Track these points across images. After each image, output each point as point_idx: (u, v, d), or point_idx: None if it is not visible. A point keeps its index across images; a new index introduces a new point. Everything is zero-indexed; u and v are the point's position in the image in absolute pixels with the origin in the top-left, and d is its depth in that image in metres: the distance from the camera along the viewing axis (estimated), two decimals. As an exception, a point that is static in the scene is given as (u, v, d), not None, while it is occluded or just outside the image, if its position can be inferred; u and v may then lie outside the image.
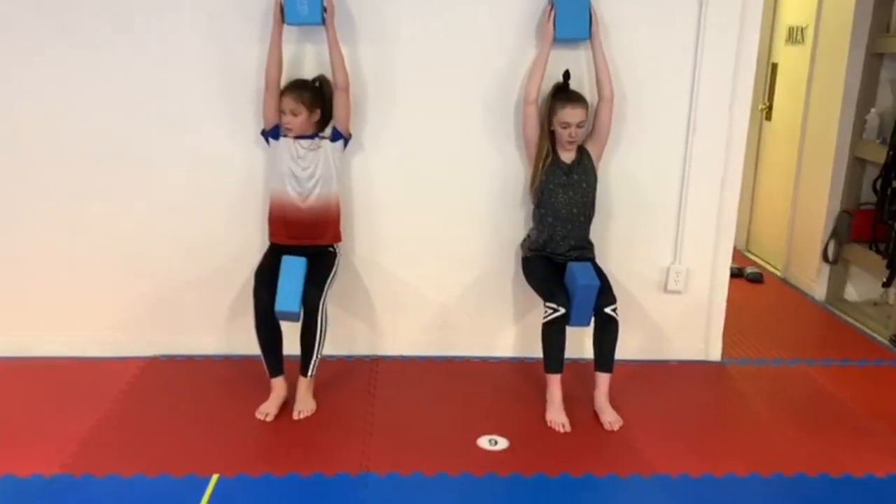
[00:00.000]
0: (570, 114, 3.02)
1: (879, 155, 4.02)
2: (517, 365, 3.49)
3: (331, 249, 3.15)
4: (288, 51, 3.09)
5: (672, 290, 3.51)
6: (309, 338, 2.97)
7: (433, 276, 3.47)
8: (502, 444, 2.82)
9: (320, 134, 3.08)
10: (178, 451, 2.70)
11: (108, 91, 3.20)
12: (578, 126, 3.04)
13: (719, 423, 3.07)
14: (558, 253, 3.14)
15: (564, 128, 3.04)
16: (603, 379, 3.04)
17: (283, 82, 3.06)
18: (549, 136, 3.11)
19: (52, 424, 2.86)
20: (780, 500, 2.57)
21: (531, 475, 2.62)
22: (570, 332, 3.01)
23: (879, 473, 2.69)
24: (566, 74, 3.13)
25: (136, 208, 3.32)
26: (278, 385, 3.02)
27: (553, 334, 2.98)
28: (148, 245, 3.35)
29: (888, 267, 3.94)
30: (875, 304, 4.35)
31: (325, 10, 2.98)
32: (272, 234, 3.11)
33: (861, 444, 2.88)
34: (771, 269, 5.10)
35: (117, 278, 3.39)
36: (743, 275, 4.85)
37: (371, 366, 3.44)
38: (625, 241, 3.43)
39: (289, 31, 3.07)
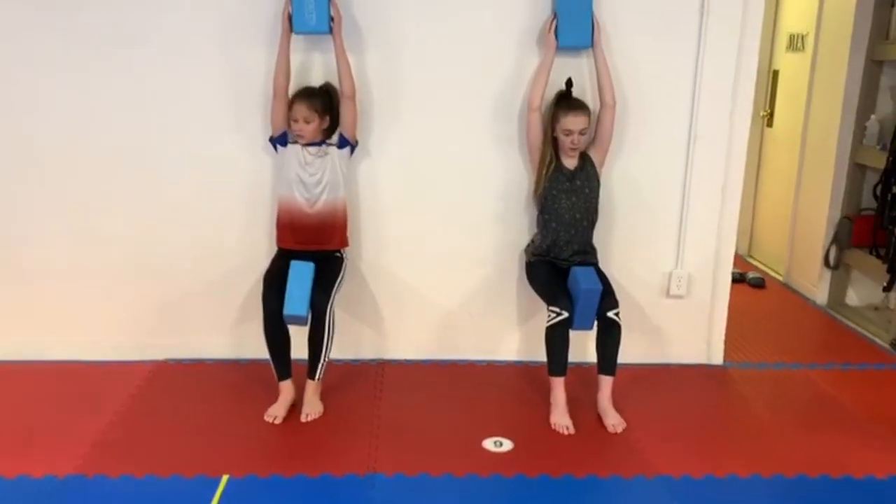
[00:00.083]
0: (572, 121, 3.07)
1: (879, 161, 4.07)
2: (521, 369, 3.53)
3: (338, 255, 3.20)
4: (296, 59, 3.15)
5: (674, 295, 3.55)
6: (317, 341, 3.02)
7: (438, 281, 3.51)
8: (507, 445, 2.86)
9: (327, 141, 3.13)
10: (188, 453, 2.75)
11: (117, 98, 3.25)
12: (581, 133, 3.09)
13: (721, 426, 3.11)
14: (562, 258, 3.19)
15: (567, 135, 3.09)
16: (606, 382, 3.08)
17: (291, 90, 3.11)
18: (552, 143, 3.16)
19: (64, 426, 2.91)
20: (782, 501, 2.61)
21: (535, 476, 2.66)
22: (574, 336, 3.05)
23: (880, 474, 2.72)
24: (569, 82, 3.18)
25: (145, 214, 3.37)
26: (286, 388, 3.07)
27: (556, 338, 3.02)
28: (157, 250, 3.41)
29: (889, 272, 3.98)
30: (876, 308, 4.39)
31: (332, 19, 3.04)
32: (280, 239, 3.16)
33: (861, 446, 2.92)
34: (773, 274, 5.13)
35: (127, 283, 3.44)
36: (745, 280, 4.89)
37: (377, 370, 3.48)
38: (627, 246, 3.47)
39: (296, 40, 3.13)
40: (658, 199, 3.44)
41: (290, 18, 3.03)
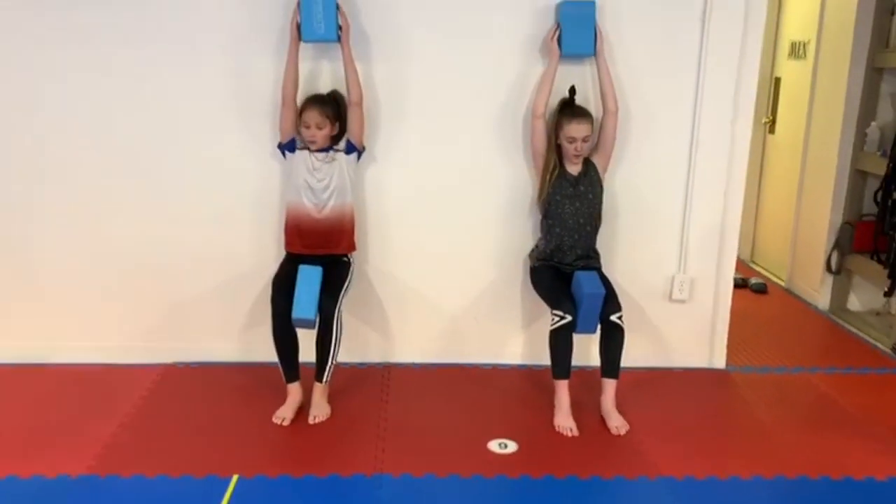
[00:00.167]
0: (575, 129, 3.11)
1: (880, 167, 4.11)
2: (525, 372, 3.57)
3: (345, 259, 3.24)
4: (304, 67, 3.20)
5: (677, 299, 3.59)
6: (324, 345, 3.07)
7: (444, 285, 3.56)
8: (512, 447, 2.90)
9: (335, 147, 3.18)
10: (198, 453, 2.80)
11: (128, 103, 3.31)
12: (584, 140, 3.14)
13: (723, 428, 3.15)
14: (565, 262, 3.23)
15: (570, 142, 3.14)
16: (609, 385, 3.12)
17: (299, 98, 3.17)
18: (555, 150, 3.21)
19: (77, 428, 2.95)
20: (783, 502, 2.65)
21: (540, 477, 2.70)
22: (577, 340, 3.10)
23: (880, 476, 2.76)
24: (572, 90, 3.23)
25: (155, 219, 3.43)
26: (294, 390, 3.11)
27: (560, 341, 3.06)
28: (167, 255, 3.46)
29: (889, 277, 4.01)
30: (877, 313, 4.42)
31: (340, 27, 3.09)
32: (288, 243, 3.21)
33: (862, 448, 2.95)
34: (775, 279, 5.17)
35: (137, 287, 3.49)
36: (747, 285, 4.92)
37: (383, 373, 3.53)
38: (630, 251, 3.51)
39: (304, 48, 3.18)
40: (660, 204, 3.49)
41: (298, 27, 3.08)
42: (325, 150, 3.15)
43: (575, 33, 3.17)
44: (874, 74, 4.24)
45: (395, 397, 3.30)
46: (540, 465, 2.77)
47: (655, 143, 3.42)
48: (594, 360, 3.26)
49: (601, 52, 3.20)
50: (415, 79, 3.33)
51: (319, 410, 3.08)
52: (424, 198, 3.46)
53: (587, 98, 3.31)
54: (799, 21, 5.06)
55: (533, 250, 3.41)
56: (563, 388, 3.10)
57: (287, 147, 3.19)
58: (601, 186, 3.25)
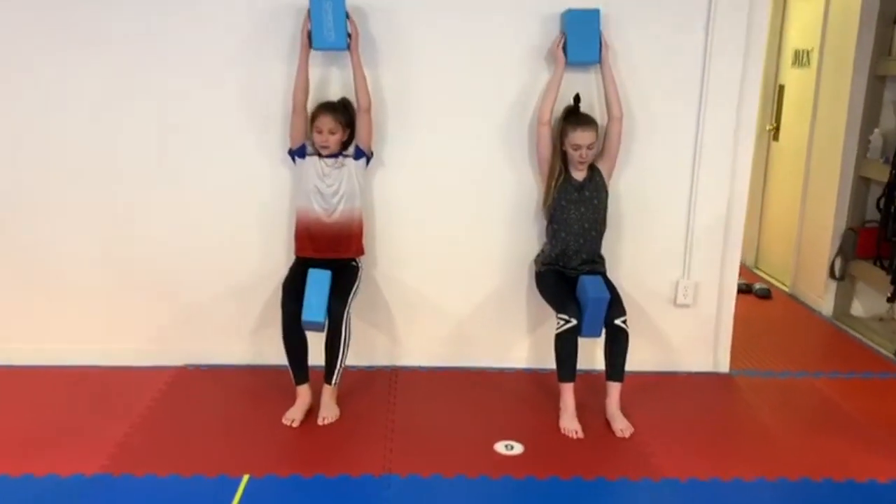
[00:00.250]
0: (580, 136, 3.16)
1: (883, 174, 4.15)
2: (531, 375, 3.62)
3: (354, 263, 3.29)
4: (314, 74, 3.26)
5: (681, 304, 3.63)
6: (333, 347, 3.12)
7: (450, 289, 3.61)
8: (518, 449, 2.94)
9: (344, 153, 3.24)
10: (209, 454, 2.85)
11: (141, 110, 3.37)
12: (589, 148, 3.18)
13: (727, 431, 3.18)
14: (570, 267, 3.28)
15: (575, 149, 3.18)
16: (614, 388, 3.16)
17: (310, 105, 3.23)
18: (561, 156, 3.26)
19: (90, 428, 3.01)
20: (786, 503, 2.68)
21: (545, 478, 2.74)
22: (582, 343, 3.14)
23: (882, 479, 2.79)
24: (576, 98, 3.28)
25: (168, 223, 3.48)
26: (304, 392, 3.16)
27: (565, 344, 3.11)
28: (179, 259, 3.51)
29: (892, 283, 4.04)
30: (881, 319, 4.45)
31: (349, 35, 3.15)
32: (298, 248, 3.27)
33: (864, 451, 2.98)
34: (779, 285, 5.20)
35: (149, 291, 3.54)
36: (751, 291, 4.96)
37: (391, 376, 3.57)
38: (635, 256, 3.56)
39: (315, 56, 3.24)
40: (665, 210, 3.53)
41: (309, 35, 3.14)
42: (335, 155, 3.20)
43: (580, 41, 3.22)
44: (877, 82, 4.28)
45: (403, 400, 3.35)
46: (545, 466, 2.81)
47: (659, 149, 3.46)
48: (599, 363, 3.30)
49: (606, 59, 3.25)
50: (422, 85, 3.38)
51: (328, 412, 3.13)
52: (431, 203, 3.51)
53: (592, 105, 3.36)
54: (802, 30, 5.11)
55: (538, 255, 3.46)
56: (568, 391, 3.14)
57: (297, 153, 3.25)
58: (606, 192, 3.30)
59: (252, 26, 3.30)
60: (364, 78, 3.19)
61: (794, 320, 4.61)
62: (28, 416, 3.12)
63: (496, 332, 3.66)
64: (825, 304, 4.64)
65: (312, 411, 3.15)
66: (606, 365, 3.17)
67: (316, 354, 3.16)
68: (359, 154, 3.24)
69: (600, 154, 3.30)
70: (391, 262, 3.56)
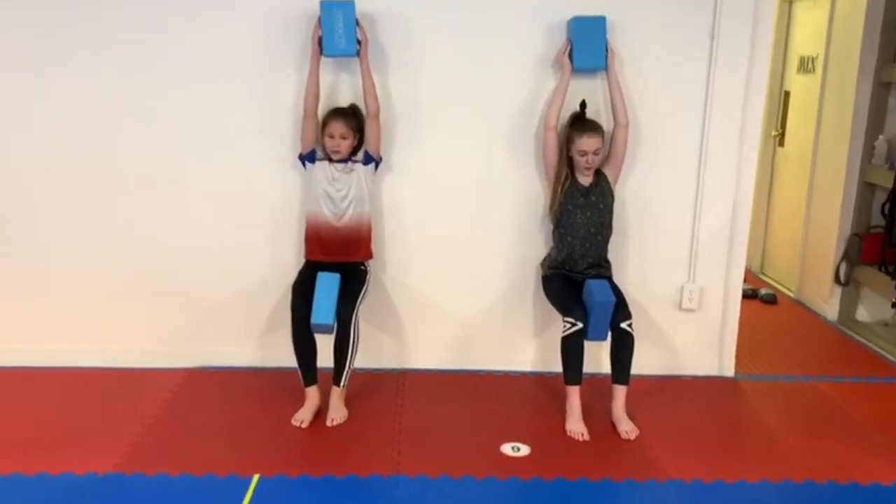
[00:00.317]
0: (586, 143, 3.20)
1: (887, 180, 4.17)
2: (537, 379, 3.65)
3: (362, 267, 3.34)
4: (325, 80, 3.31)
5: (686, 309, 3.66)
6: (342, 349, 3.16)
7: (457, 293, 3.64)
8: (524, 450, 2.97)
9: (353, 158, 3.28)
10: (220, 453, 2.89)
11: (153, 115, 3.42)
12: (595, 154, 3.22)
13: (732, 434, 3.21)
14: (577, 271, 3.31)
15: (582, 155, 3.22)
16: (620, 391, 3.19)
17: (320, 110, 3.28)
18: (567, 161, 3.29)
19: (103, 428, 3.05)
20: (790, 505, 2.72)
21: (552, 479, 2.77)
22: (588, 347, 3.17)
23: (885, 482, 2.81)
24: (582, 104, 3.32)
25: (180, 227, 3.53)
26: (312, 394, 3.20)
27: (571, 347, 3.14)
28: (190, 262, 3.56)
29: (897, 288, 4.07)
30: (886, 324, 4.48)
31: (359, 42, 3.20)
32: (308, 251, 3.31)
33: (868, 454, 3.01)
34: (785, 290, 5.22)
35: (160, 294, 3.59)
36: (757, 296, 4.98)
37: (398, 378, 3.61)
38: (640, 260, 3.59)
39: (325, 62, 3.29)
40: (670, 215, 3.57)
41: (320, 42, 3.19)
42: (345, 160, 3.25)
43: (586, 48, 3.27)
44: (881, 88, 4.31)
45: (410, 401, 3.38)
46: (552, 467, 2.84)
47: (665, 154, 3.50)
48: (605, 367, 3.33)
49: (612, 66, 3.29)
50: (430, 92, 3.43)
51: (337, 413, 3.17)
52: (439, 207, 3.55)
53: (598, 111, 3.40)
54: (808, 37, 5.14)
55: (545, 259, 3.49)
56: (574, 394, 3.17)
57: (307, 158, 3.30)
58: (612, 196, 3.33)
59: (263, 33, 3.35)
60: (373, 84, 3.24)
61: (800, 325, 4.63)
62: (42, 416, 3.16)
63: (503, 336, 3.70)
64: (830, 309, 4.66)
65: (321, 413, 3.19)
66: (612, 368, 3.21)
67: (324, 357, 3.20)
68: (368, 159, 3.29)
69: (606, 159, 3.34)
70: (399, 266, 3.60)
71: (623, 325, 3.13)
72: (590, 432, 3.10)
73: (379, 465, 2.83)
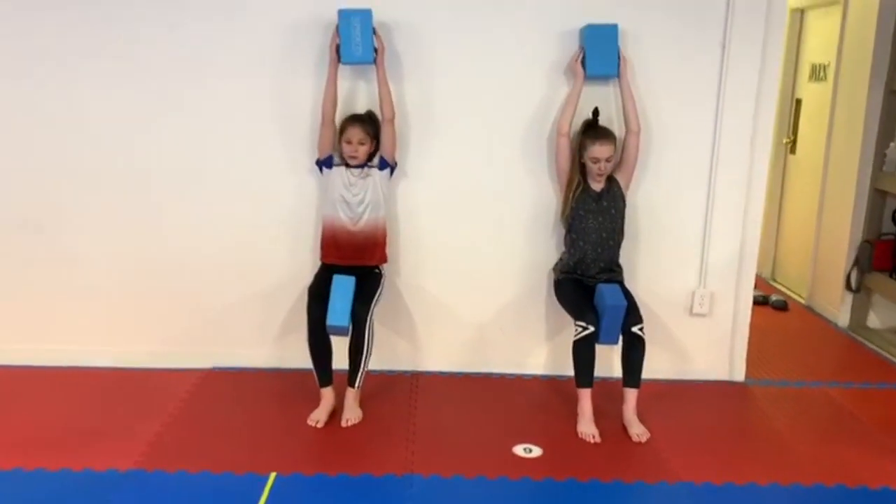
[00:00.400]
0: (599, 150, 3.24)
1: (899, 187, 4.20)
2: (549, 382, 3.69)
3: (377, 270, 3.39)
4: (342, 87, 3.37)
5: (697, 313, 3.69)
6: (356, 351, 3.21)
7: (470, 297, 3.69)
8: (536, 452, 3.01)
9: (369, 163, 3.34)
10: (238, 452, 2.94)
11: (172, 119, 3.49)
12: (607, 160, 3.26)
13: (742, 437, 3.24)
14: (589, 275, 3.35)
15: (594, 162, 3.26)
16: (631, 394, 3.23)
17: (338, 117, 3.34)
18: (579, 167, 3.34)
19: (122, 427, 3.12)
20: (799, 508, 2.75)
21: (563, 480, 2.81)
22: (599, 351, 3.21)
23: (894, 486, 2.84)
24: (595, 112, 3.37)
25: (198, 229, 3.59)
26: (328, 394, 3.25)
27: (583, 351, 3.18)
28: (209, 264, 3.62)
29: (908, 294, 4.09)
30: (897, 331, 4.50)
31: (376, 50, 3.26)
32: (324, 254, 3.37)
33: (878, 459, 3.03)
34: (796, 297, 5.24)
35: (178, 296, 3.66)
36: (768, 302, 4.99)
37: (412, 380, 3.66)
38: (652, 265, 3.63)
39: (342, 70, 3.34)
40: (681, 221, 3.60)
41: (337, 50, 3.25)
42: (361, 166, 3.31)
43: (599, 55, 3.31)
44: (893, 96, 4.33)
45: (424, 403, 3.43)
46: (563, 468, 2.89)
47: (677, 160, 3.54)
48: (616, 371, 3.37)
49: (624, 73, 3.33)
50: (445, 98, 3.48)
51: (352, 414, 3.22)
52: (452, 212, 3.60)
53: (610, 118, 3.44)
54: (819, 45, 5.17)
55: (557, 263, 3.54)
56: (586, 397, 3.21)
57: (324, 163, 3.36)
58: (624, 202, 3.37)
59: (282, 40, 3.41)
60: (389, 90, 3.30)
61: (811, 331, 4.65)
62: (63, 415, 3.23)
63: (515, 339, 3.74)
64: (841, 315, 4.67)
65: (336, 413, 3.24)
66: (623, 372, 3.24)
67: (340, 358, 3.26)
68: (383, 165, 3.35)
69: (618, 166, 3.38)
70: (413, 270, 3.65)
71: (634, 328, 3.17)
72: (601, 435, 3.14)
73: (393, 464, 2.88)
